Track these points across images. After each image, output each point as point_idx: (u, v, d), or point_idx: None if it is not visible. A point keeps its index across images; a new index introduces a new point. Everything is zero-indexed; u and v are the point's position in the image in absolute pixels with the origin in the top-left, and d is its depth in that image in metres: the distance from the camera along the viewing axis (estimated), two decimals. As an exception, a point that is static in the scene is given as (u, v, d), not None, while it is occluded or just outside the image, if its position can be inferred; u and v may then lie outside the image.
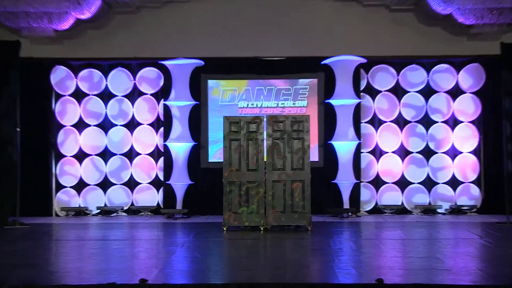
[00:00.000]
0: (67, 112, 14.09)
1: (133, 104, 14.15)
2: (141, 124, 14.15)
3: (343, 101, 13.54)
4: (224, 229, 11.25)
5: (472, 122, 13.99)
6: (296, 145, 11.42)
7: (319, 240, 10.30)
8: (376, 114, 14.10)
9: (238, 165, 11.41)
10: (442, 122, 14.04)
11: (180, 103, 13.63)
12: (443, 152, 14.04)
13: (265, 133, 11.53)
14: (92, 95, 14.15)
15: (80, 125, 14.13)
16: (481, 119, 13.93)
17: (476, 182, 13.96)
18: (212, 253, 9.27)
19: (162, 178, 14.02)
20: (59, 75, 14.09)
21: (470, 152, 14.00)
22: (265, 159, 11.59)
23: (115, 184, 14.16)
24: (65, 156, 14.10)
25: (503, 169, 12.60)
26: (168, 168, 13.82)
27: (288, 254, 9.12)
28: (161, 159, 14.04)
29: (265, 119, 11.62)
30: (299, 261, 8.47)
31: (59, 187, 14.07)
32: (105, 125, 14.15)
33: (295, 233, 11.11)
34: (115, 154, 14.16)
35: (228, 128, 11.49)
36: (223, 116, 11.67)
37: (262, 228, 11.23)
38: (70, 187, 14.09)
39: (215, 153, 13.77)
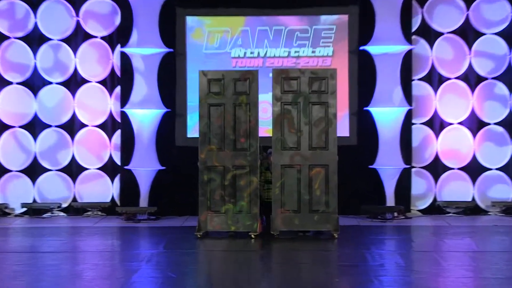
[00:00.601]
0: (-23, 63, 14.17)
1: (75, 52, 14.13)
2: (88, 81, 14.15)
3: (387, 48, 13.50)
4: (198, 235, 11.32)
5: None
6: (317, 113, 11.39)
7: (351, 252, 10.30)
8: (435, 67, 14.07)
9: (220, 142, 11.45)
10: (533, 78, 14.09)
11: (145, 50, 13.60)
12: (535, 124, 14.12)
13: (270, 95, 11.52)
14: (14, 38, 14.13)
15: (-3, 83, 14.19)
16: None
17: None
18: (191, 272, 9.22)
19: (118, 162, 14.07)
20: (-37, 9, 14.10)
21: None
22: (270, 134, 11.54)
23: (49, 170, 14.19)
24: (-25, 128, 14.18)
25: None
26: (127, 146, 13.83)
27: (304, 274, 9.02)
28: (118, 133, 14.09)
29: (270, 75, 11.57)
30: (320, 284, 8.42)
31: (-34, 174, 14.18)
32: (34, 83, 14.17)
33: (314, 242, 11.09)
34: (49, 126, 14.17)
35: (207, 88, 11.48)
36: (199, 70, 11.64)
37: (253, 236, 11.30)
38: (-18, 174, 14.20)
39: (197, 125, 13.64)
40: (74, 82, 14.18)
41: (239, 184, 11.42)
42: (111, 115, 14.20)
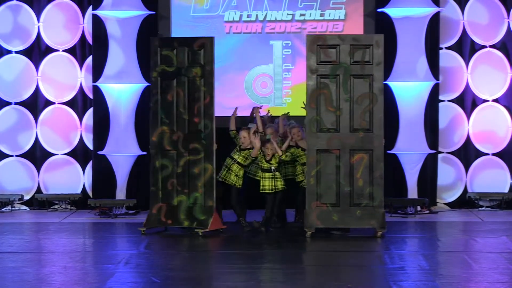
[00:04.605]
0: None
1: (38, 16, 14.15)
2: (54, 50, 14.20)
3: (409, 10, 13.49)
4: (142, 231, 11.55)
5: None
6: (360, 87, 11.41)
7: (365, 253, 10.39)
8: (468, 33, 14.08)
9: (172, 123, 11.56)
10: None
11: (121, 13, 13.58)
12: None
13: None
14: (-35, -2, 14.18)
15: None
16: None
17: None
18: (177, 276, 9.17)
19: (91, 146, 14.11)
20: None
21: None
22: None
23: (8, 156, 14.24)
24: None
25: None
26: (101, 128, 13.88)
27: (309, 277, 9.06)
28: (89, 112, 14.14)
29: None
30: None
31: None
32: (-11, 52, 14.26)
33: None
34: (9, 104, 14.23)
35: (158, 59, 11.59)
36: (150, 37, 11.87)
37: (201, 233, 11.42)
38: None
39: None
40: (37, 51, 14.20)
41: (192, 172, 11.56)
42: (81, 91, 14.21)
